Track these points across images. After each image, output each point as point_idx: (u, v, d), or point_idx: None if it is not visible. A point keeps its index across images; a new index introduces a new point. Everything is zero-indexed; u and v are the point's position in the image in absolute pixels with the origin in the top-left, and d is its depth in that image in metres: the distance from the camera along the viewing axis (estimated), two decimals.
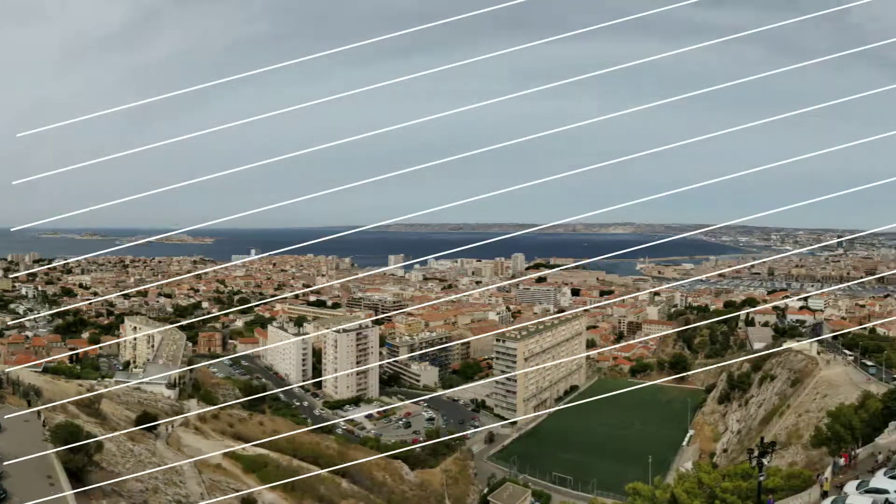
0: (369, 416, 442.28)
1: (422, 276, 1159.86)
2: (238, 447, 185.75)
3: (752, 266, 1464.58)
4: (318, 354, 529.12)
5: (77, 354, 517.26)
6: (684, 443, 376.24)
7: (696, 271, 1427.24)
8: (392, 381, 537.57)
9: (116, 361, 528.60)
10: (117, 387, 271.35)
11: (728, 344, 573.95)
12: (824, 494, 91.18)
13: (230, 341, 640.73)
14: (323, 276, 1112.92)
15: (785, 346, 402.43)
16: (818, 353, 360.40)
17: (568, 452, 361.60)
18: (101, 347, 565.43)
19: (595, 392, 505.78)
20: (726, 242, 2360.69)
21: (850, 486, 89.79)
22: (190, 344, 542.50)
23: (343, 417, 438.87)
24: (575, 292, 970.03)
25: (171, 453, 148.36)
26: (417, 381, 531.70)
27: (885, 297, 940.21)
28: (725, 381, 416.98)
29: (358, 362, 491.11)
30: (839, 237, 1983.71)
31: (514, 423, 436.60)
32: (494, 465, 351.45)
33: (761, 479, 79.48)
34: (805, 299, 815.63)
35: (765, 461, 77.47)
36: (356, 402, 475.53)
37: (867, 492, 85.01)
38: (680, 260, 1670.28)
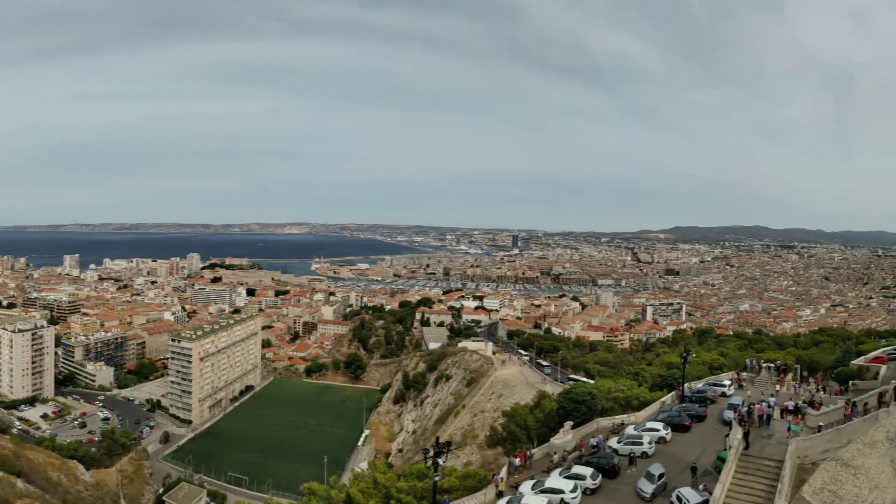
0: (44, 416, 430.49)
1: (97, 276, 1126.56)
2: None
3: (428, 266, 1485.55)
4: None
5: None
6: (360, 443, 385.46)
7: (371, 271, 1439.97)
8: (68, 381, 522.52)
9: None
10: None
11: (403, 344, 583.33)
12: (499, 494, 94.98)
13: None
14: None
15: (460, 345, 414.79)
16: (493, 353, 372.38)
17: (244, 452, 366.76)
18: None
19: (271, 392, 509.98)
20: (402, 242, 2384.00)
21: (526, 486, 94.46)
22: None
23: (18, 417, 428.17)
24: (250, 292, 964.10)
25: None
26: (93, 380, 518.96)
27: (560, 296, 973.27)
28: (401, 381, 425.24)
29: (34, 362, 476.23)
30: (514, 237, 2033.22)
31: (190, 422, 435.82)
32: (170, 464, 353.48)
33: (437, 479, 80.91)
34: (480, 299, 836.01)
35: (440, 461, 79.77)
36: (32, 401, 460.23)
37: (542, 492, 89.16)
38: (355, 260, 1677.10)
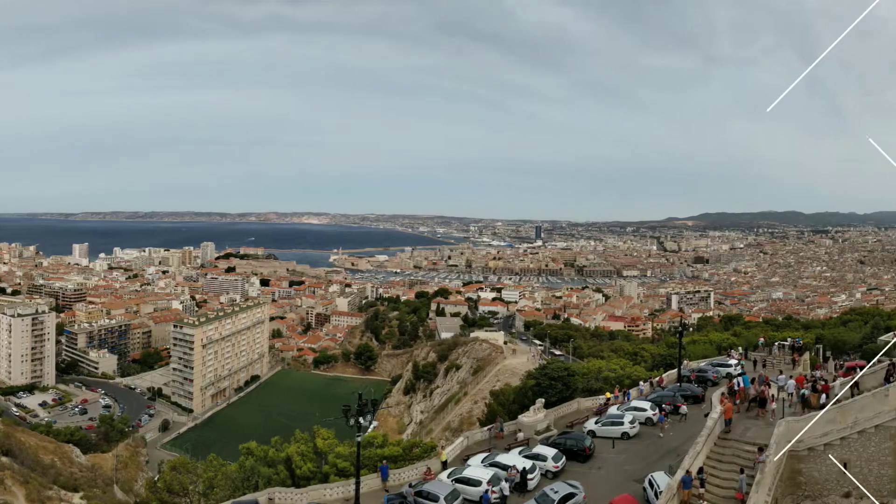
0: (43, 405, 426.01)
1: (107, 265, 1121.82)
2: None
3: (450, 258, 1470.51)
4: None
5: None
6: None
7: (390, 263, 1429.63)
8: (70, 369, 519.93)
9: None
10: None
11: (417, 335, 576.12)
12: (444, 465, 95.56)
13: None
14: (4, 263, 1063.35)
15: (473, 335, 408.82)
16: (505, 342, 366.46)
17: (244, 442, 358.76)
18: None
19: (277, 382, 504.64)
20: (423, 233, 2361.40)
21: (476, 459, 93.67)
22: None
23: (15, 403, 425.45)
24: (264, 283, 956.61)
25: None
26: (96, 368, 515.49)
27: (583, 288, 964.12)
28: (411, 372, 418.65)
29: (34, 348, 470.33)
30: (537, 228, 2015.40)
31: (191, 411, 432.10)
32: (167, 452, 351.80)
33: (358, 439, 76.10)
34: (500, 291, 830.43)
35: (363, 421, 72.22)
36: (31, 388, 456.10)
37: (492, 465, 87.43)
38: (374, 251, 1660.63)
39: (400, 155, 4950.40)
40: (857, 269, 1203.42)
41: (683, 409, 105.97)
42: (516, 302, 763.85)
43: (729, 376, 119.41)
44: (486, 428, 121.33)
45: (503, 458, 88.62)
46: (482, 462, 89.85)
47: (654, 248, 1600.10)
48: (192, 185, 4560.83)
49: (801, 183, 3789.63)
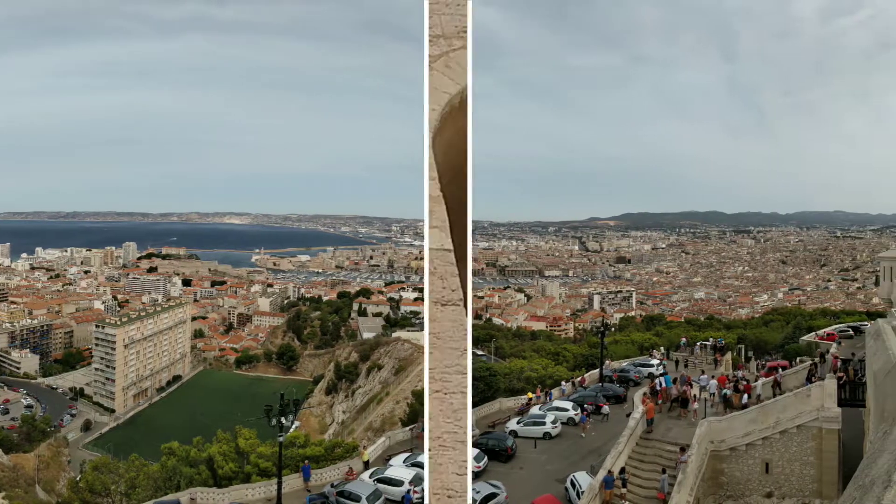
0: None
1: (28, 266, 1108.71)
2: None
3: (371, 258, 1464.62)
4: None
5: None
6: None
7: (312, 263, 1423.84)
8: None
9: None
10: None
11: (339, 335, 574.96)
12: (366, 465, 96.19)
13: None
14: None
15: (395, 335, 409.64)
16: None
17: (166, 442, 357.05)
18: None
19: (199, 382, 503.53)
20: (345, 233, 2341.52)
21: (398, 459, 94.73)
22: None
23: None
24: (186, 282, 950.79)
25: None
26: (18, 368, 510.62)
27: (505, 288, 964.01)
28: (333, 372, 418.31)
29: None
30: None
31: (113, 411, 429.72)
32: (89, 452, 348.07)
33: (280, 439, 79.52)
34: (421, 290, 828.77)
35: (284, 421, 75.34)
36: None
37: (413, 465, 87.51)
38: (296, 251, 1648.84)
39: (323, 154, 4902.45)
40: (778, 270, 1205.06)
41: (605, 409, 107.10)
42: None
43: (651, 376, 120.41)
44: (408, 428, 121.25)
45: (422, 458, 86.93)
46: (404, 462, 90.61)
47: (576, 248, 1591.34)
48: (114, 185, 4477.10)
49: (723, 183, 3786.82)
